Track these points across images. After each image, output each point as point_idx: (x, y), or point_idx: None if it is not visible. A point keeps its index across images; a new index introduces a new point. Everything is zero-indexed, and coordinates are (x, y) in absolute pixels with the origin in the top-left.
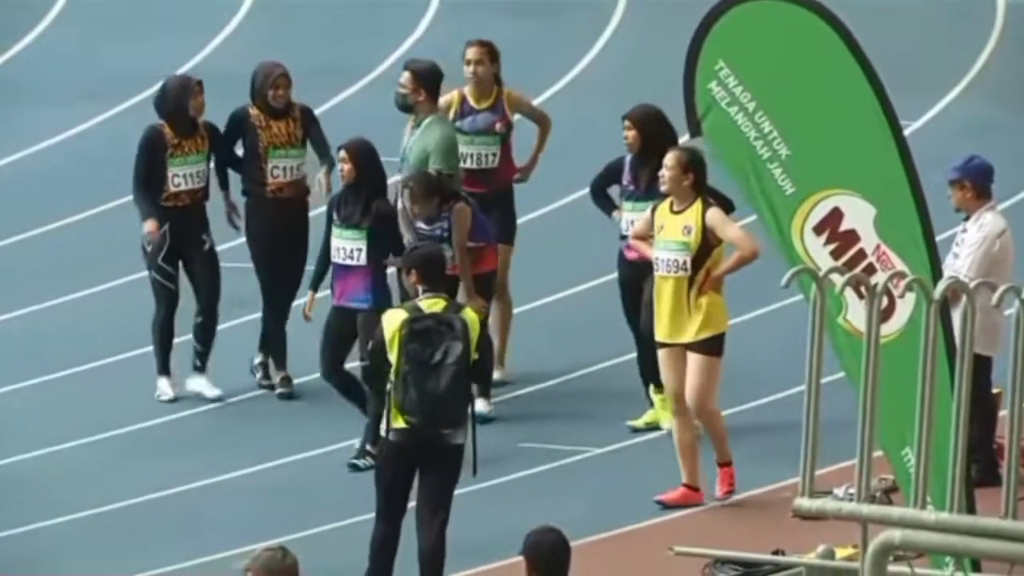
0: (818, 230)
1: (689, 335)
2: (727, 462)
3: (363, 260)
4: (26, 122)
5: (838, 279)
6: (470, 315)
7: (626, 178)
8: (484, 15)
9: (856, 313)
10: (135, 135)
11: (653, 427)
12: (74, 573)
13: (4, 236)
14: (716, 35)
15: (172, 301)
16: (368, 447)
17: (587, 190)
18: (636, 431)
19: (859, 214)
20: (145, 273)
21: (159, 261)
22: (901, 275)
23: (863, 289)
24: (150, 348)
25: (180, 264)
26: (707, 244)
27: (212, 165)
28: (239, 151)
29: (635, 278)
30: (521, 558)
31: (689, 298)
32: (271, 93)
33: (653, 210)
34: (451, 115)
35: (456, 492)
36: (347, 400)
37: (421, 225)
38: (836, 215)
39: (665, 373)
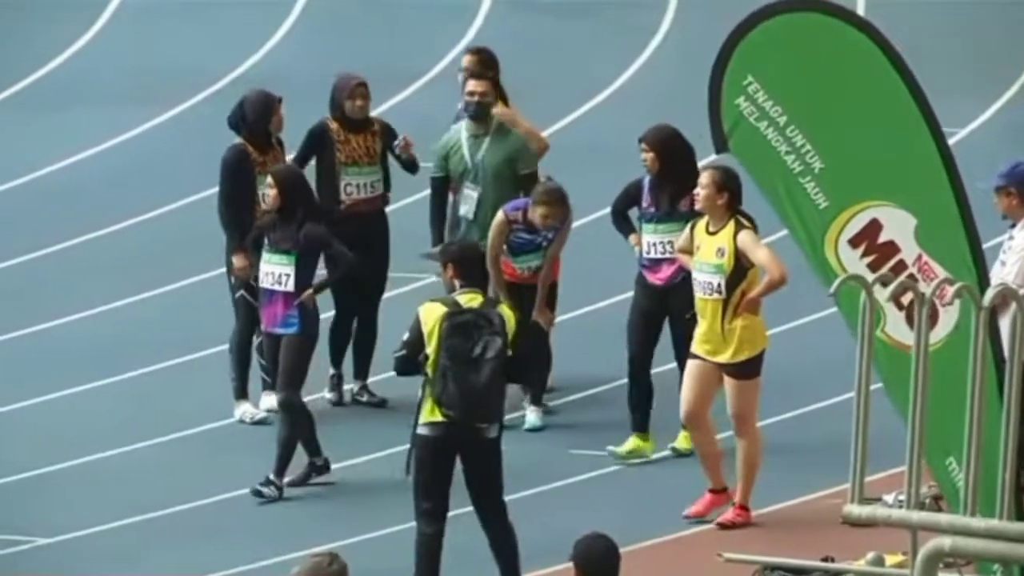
0: (854, 242)
1: (725, 357)
2: (715, 490)
3: (291, 286)
4: (85, 123)
5: (880, 289)
6: (506, 311)
7: (646, 200)
8: (535, 16)
9: (895, 326)
10: (193, 136)
11: (637, 455)
12: (152, 572)
13: (67, 238)
14: (744, 50)
15: (253, 318)
16: (272, 476)
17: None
18: (617, 459)
19: (899, 225)
20: (208, 273)
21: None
22: (948, 282)
23: (903, 300)
24: (216, 348)
25: None
26: (740, 266)
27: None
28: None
29: (652, 306)
30: (570, 564)
31: (723, 321)
32: (349, 104)
33: (692, 227)
34: None
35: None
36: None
37: (523, 234)
38: (874, 227)
39: (688, 383)
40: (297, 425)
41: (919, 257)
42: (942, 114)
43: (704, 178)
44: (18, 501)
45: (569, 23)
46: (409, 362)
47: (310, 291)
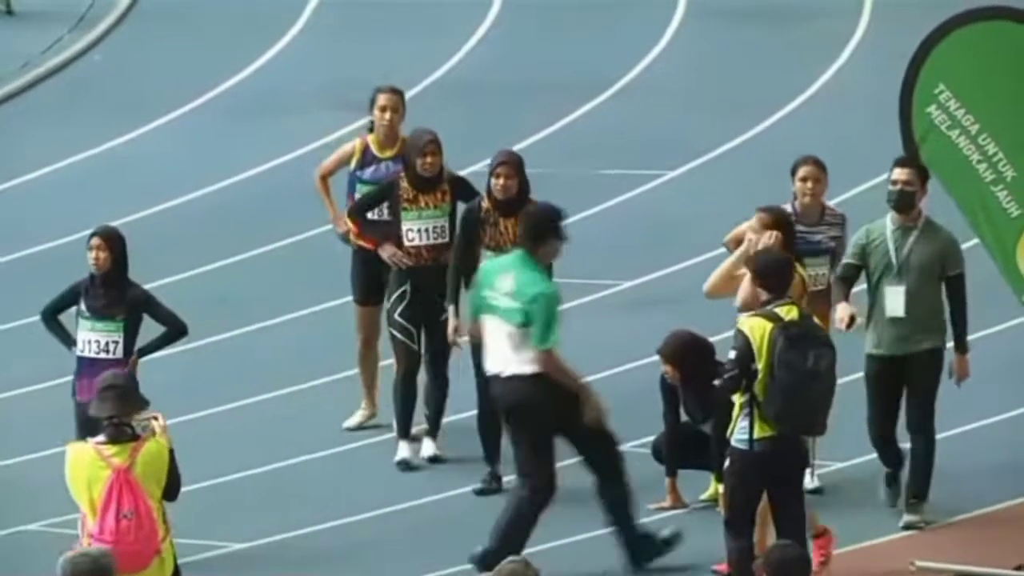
0: None
1: None
2: (818, 533)
3: (119, 353)
4: (278, 132)
5: None
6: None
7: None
8: (729, 22)
9: None
10: None
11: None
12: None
13: (258, 245)
14: (935, 59)
15: (412, 360)
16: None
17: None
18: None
19: None
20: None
21: (396, 316)
22: None
23: None
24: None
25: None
26: None
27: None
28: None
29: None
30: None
31: None
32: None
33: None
34: (353, 164)
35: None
36: None
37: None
38: None
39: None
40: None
41: None
42: None
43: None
44: (207, 507)
45: (763, 30)
46: (738, 381)
47: (135, 357)
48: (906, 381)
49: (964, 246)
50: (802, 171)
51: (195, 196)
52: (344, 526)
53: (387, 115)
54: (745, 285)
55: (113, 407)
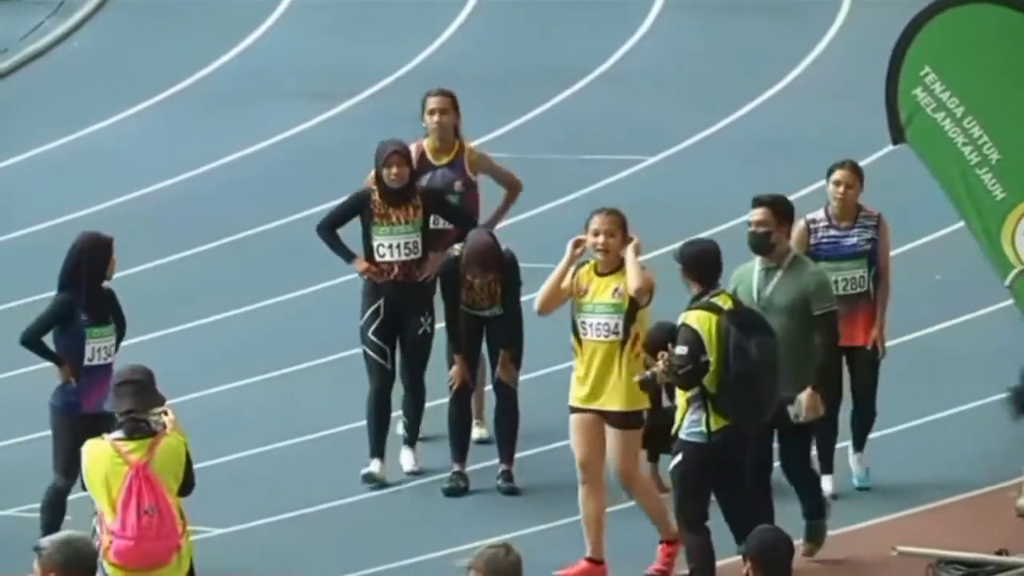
0: None
1: (617, 404)
2: (667, 540)
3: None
4: (259, 117)
5: None
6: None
7: None
8: (709, 10)
9: None
10: (362, 132)
11: None
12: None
13: (233, 232)
14: (922, 41)
15: (385, 378)
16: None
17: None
18: None
19: None
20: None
21: (369, 334)
22: None
23: None
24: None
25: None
26: (634, 306)
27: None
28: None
29: None
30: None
31: (620, 365)
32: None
33: (575, 274)
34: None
35: None
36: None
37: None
38: None
39: (579, 439)
40: None
41: None
42: None
43: (614, 220)
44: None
45: (743, 18)
46: (696, 375)
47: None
48: (776, 426)
49: (949, 229)
50: (836, 175)
51: (172, 183)
52: (324, 512)
53: (435, 117)
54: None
55: (131, 402)
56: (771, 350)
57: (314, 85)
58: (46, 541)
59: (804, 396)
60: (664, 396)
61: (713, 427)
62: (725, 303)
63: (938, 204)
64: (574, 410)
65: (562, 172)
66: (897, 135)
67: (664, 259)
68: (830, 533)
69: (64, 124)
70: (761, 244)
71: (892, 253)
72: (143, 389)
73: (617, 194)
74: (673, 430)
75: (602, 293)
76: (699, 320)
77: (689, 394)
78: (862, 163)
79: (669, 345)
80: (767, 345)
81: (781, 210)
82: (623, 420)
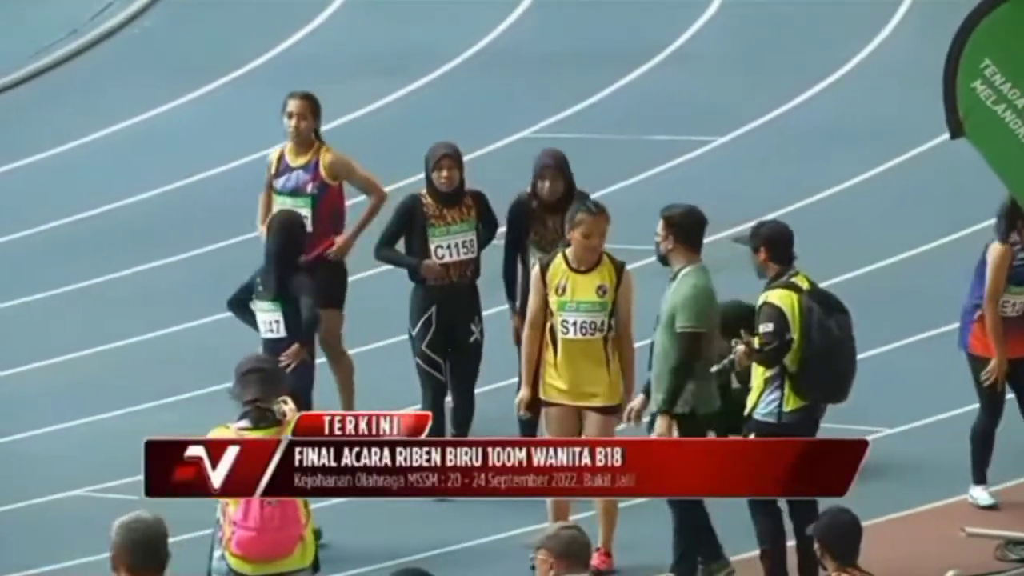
0: None
1: (600, 400)
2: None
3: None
4: (329, 95)
5: None
6: None
7: None
8: None
9: None
10: (430, 110)
11: None
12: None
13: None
14: (981, 33)
15: (438, 390)
16: None
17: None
18: None
19: None
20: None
21: (423, 347)
22: None
23: None
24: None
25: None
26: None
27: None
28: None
29: None
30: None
31: (608, 361)
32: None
33: (543, 270)
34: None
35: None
36: None
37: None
38: None
39: (557, 432)
40: None
41: None
42: None
43: (606, 221)
44: None
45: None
46: (780, 352)
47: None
48: None
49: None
50: None
51: (242, 163)
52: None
53: (292, 121)
54: None
55: (257, 390)
56: (849, 328)
57: (383, 63)
58: (116, 521)
59: (658, 419)
60: (733, 379)
61: (789, 407)
62: (803, 283)
63: (998, 193)
64: (549, 404)
65: (627, 152)
66: (956, 129)
67: (724, 243)
68: (899, 514)
69: (132, 105)
70: (661, 256)
71: None
72: (270, 378)
73: (681, 176)
74: (747, 411)
75: (584, 291)
76: (781, 298)
77: (768, 374)
78: (918, 149)
79: (741, 330)
80: (846, 323)
81: (675, 222)
82: (605, 410)
